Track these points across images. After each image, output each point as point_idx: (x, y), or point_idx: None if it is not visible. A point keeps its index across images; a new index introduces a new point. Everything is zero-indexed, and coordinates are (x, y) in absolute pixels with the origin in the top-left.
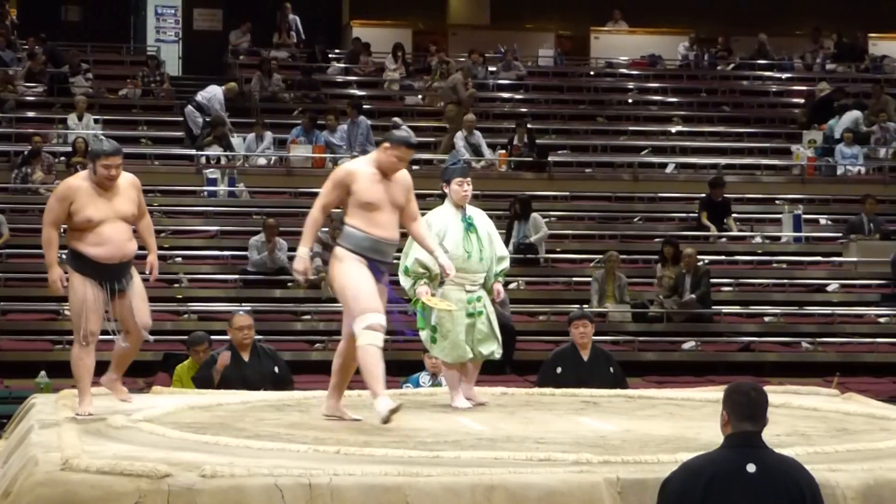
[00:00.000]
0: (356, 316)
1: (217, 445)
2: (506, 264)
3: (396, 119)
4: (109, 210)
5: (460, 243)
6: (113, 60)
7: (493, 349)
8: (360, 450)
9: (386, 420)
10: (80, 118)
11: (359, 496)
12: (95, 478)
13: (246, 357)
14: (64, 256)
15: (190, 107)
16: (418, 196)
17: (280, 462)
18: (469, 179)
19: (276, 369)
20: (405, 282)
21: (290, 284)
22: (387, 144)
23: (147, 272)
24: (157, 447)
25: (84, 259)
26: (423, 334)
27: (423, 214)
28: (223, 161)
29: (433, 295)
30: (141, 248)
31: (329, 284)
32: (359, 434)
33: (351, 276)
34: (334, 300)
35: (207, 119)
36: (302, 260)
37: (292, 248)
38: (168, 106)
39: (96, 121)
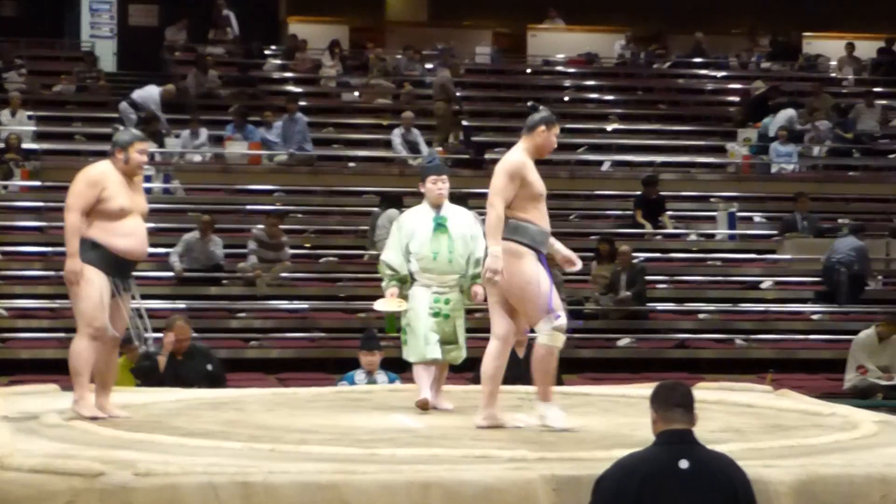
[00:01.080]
0: (543, 315)
1: (151, 443)
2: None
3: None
4: (133, 202)
5: (427, 243)
6: (47, 56)
7: (454, 354)
8: (296, 448)
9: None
10: (13, 114)
11: (294, 494)
12: (28, 476)
13: (180, 356)
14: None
15: (124, 103)
16: (357, 193)
17: (215, 460)
18: (444, 177)
19: (210, 367)
20: (383, 282)
21: (224, 282)
22: (542, 127)
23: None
24: (90, 445)
25: (104, 251)
26: (402, 338)
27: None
28: (158, 158)
29: (404, 297)
30: None
31: (501, 282)
32: (294, 432)
33: (534, 273)
34: (270, 298)
35: (142, 116)
36: (498, 259)
37: (227, 245)
38: (103, 102)
39: (30, 117)
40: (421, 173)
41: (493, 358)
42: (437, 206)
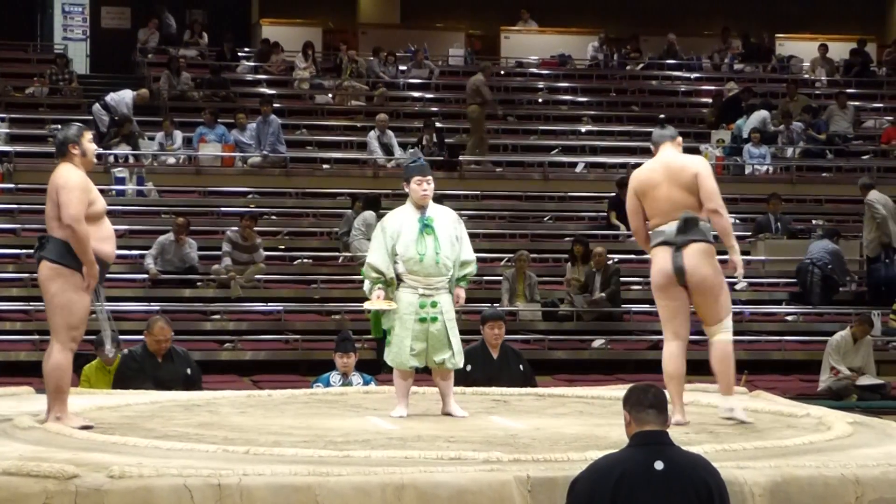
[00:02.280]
0: (729, 313)
1: (125, 446)
2: (471, 269)
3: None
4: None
5: (413, 244)
6: (19, 58)
7: (446, 357)
8: (270, 450)
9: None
10: None
11: (268, 496)
12: (1, 479)
13: (160, 358)
14: (43, 250)
15: (97, 105)
16: (331, 195)
17: (189, 462)
18: (429, 178)
19: (189, 371)
20: (365, 285)
21: (199, 284)
22: (680, 139)
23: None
24: (64, 448)
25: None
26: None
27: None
28: (131, 160)
29: (390, 299)
30: None
31: (700, 279)
32: (268, 434)
33: (721, 273)
34: (244, 300)
35: (115, 118)
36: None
37: (201, 247)
38: (76, 104)
39: (2, 119)
40: (405, 174)
41: (677, 357)
42: (421, 207)
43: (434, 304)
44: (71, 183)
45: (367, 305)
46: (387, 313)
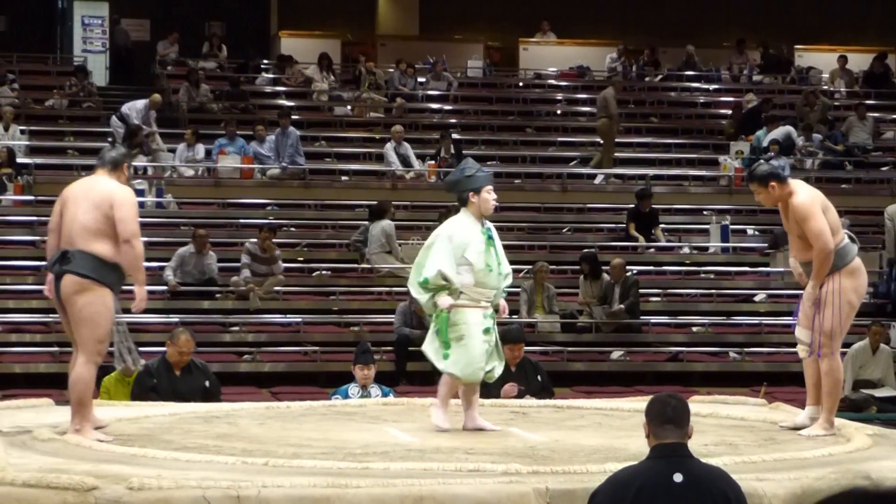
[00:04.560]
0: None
1: (144, 458)
2: (510, 280)
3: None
4: None
5: (482, 256)
6: (39, 71)
7: (495, 366)
8: (289, 461)
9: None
10: (6, 129)
11: None
12: (21, 491)
13: (178, 371)
14: (69, 264)
15: (114, 117)
16: (349, 207)
17: (208, 474)
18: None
19: (208, 384)
20: (420, 294)
21: (218, 296)
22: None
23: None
24: (83, 460)
25: (121, 273)
26: (430, 348)
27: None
28: (150, 171)
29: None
30: None
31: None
32: (287, 446)
33: None
34: (263, 311)
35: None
36: None
37: (220, 259)
38: (95, 117)
39: (23, 131)
40: (472, 183)
41: (838, 371)
42: (480, 218)
43: (491, 316)
44: (130, 199)
45: (446, 304)
46: (455, 325)
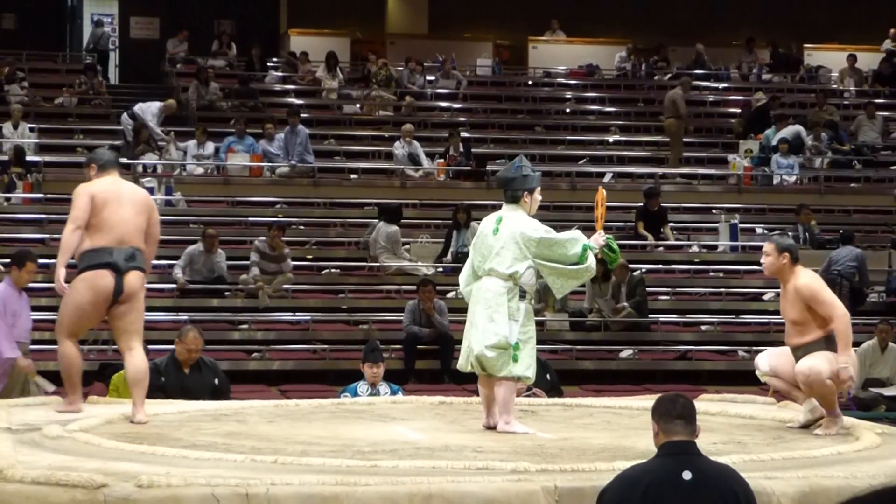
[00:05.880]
0: None
1: (153, 455)
2: None
3: None
4: None
5: None
6: (49, 69)
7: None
8: (298, 459)
9: None
10: (15, 126)
11: None
12: (30, 488)
13: (187, 369)
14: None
15: (125, 115)
16: (358, 205)
17: (217, 472)
18: None
19: (217, 382)
20: (589, 262)
21: (227, 294)
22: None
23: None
24: (92, 457)
25: None
26: (492, 353)
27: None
28: (160, 169)
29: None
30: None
31: None
32: (296, 444)
33: None
34: (272, 309)
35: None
36: None
37: (229, 257)
38: (105, 115)
39: (32, 129)
40: (528, 183)
41: (816, 376)
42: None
43: None
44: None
45: (601, 238)
46: (525, 325)
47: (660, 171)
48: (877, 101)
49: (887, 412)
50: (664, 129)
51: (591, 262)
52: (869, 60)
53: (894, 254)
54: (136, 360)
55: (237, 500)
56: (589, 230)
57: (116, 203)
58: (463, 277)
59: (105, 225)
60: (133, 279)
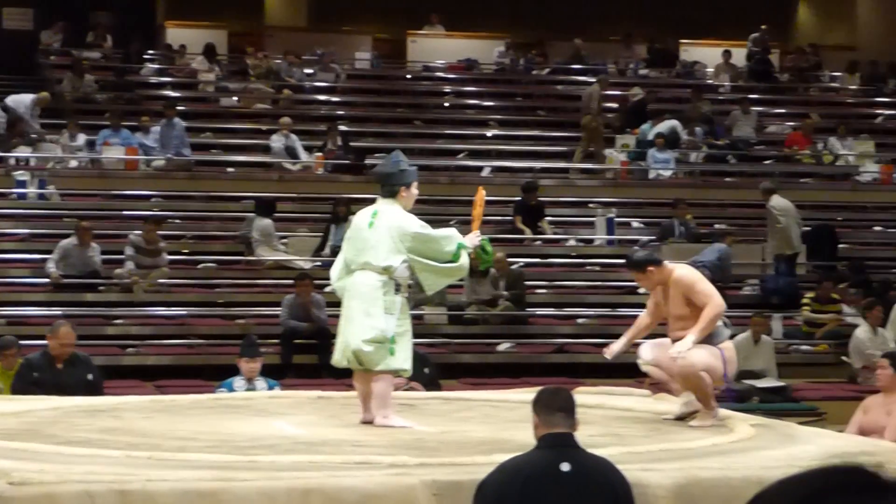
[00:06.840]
0: None
1: (27, 452)
2: None
3: None
4: None
5: None
6: None
7: None
8: (175, 455)
9: None
10: None
11: (173, 502)
12: None
13: (60, 364)
14: None
15: None
16: (235, 199)
17: (92, 468)
18: None
19: (90, 377)
20: (462, 260)
21: (101, 288)
22: None
23: None
24: None
25: None
26: (370, 348)
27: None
28: (33, 162)
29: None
30: None
31: None
32: (173, 439)
33: None
34: (147, 304)
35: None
36: None
37: (104, 251)
38: None
39: None
40: (406, 177)
41: (695, 375)
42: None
43: None
44: None
45: (475, 239)
46: (401, 318)
47: (538, 164)
48: (751, 96)
49: (761, 403)
50: (581, 124)
51: (465, 260)
52: (744, 56)
53: (767, 247)
54: None
55: (112, 497)
56: (467, 224)
57: None
58: (335, 272)
59: None
60: None
